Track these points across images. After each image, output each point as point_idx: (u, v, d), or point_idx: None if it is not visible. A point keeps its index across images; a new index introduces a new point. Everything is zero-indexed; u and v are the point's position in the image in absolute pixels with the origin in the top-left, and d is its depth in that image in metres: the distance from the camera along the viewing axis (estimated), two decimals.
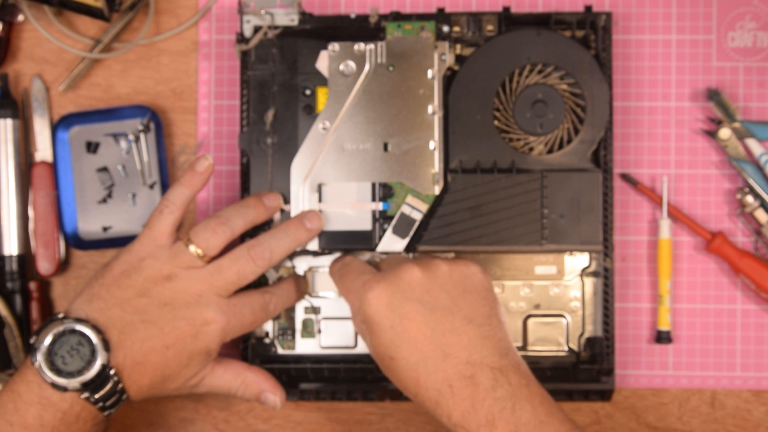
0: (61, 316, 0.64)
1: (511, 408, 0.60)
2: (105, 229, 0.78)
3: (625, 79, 0.77)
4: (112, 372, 0.63)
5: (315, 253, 0.74)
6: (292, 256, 0.74)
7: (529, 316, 0.74)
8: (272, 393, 0.70)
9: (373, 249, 0.72)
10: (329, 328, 0.75)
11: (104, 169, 0.78)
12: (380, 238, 0.72)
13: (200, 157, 0.69)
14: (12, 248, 0.77)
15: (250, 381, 0.70)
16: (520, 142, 0.73)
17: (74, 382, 0.62)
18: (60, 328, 0.63)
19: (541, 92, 0.73)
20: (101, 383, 0.63)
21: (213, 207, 0.78)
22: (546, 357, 0.74)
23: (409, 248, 0.72)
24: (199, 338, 0.66)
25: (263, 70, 0.74)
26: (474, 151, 0.73)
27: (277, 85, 0.74)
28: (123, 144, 0.78)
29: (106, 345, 0.63)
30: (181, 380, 0.67)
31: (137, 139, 0.78)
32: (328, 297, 0.74)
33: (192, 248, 0.66)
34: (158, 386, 0.66)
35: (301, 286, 0.74)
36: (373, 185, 0.73)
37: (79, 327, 0.63)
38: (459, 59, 0.74)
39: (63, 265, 0.78)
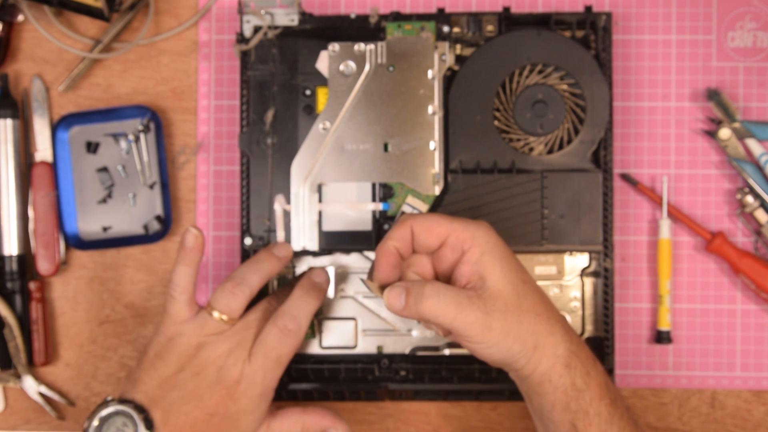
0: (109, 398, 0.66)
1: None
2: (105, 229, 0.78)
3: (625, 79, 0.77)
4: None
5: (315, 253, 0.74)
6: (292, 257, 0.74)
7: None
8: (334, 428, 0.69)
9: (373, 249, 0.72)
10: (329, 328, 0.75)
11: (104, 169, 0.78)
12: (380, 238, 0.72)
13: (186, 233, 0.68)
14: (12, 248, 0.77)
15: (309, 424, 0.69)
16: (520, 143, 0.73)
17: None
18: (106, 411, 0.65)
19: (541, 92, 0.73)
20: None
21: (213, 206, 0.78)
22: None
23: None
24: (236, 398, 0.66)
25: (263, 70, 0.74)
26: (474, 151, 0.73)
27: (277, 86, 0.74)
28: (123, 144, 0.78)
29: (149, 424, 0.64)
30: None
31: (137, 139, 0.78)
32: (328, 297, 0.74)
33: (215, 314, 0.67)
34: None
35: (317, 279, 0.71)
36: (374, 185, 0.73)
37: (123, 407, 0.65)
38: (459, 59, 0.74)
39: (63, 265, 0.78)
